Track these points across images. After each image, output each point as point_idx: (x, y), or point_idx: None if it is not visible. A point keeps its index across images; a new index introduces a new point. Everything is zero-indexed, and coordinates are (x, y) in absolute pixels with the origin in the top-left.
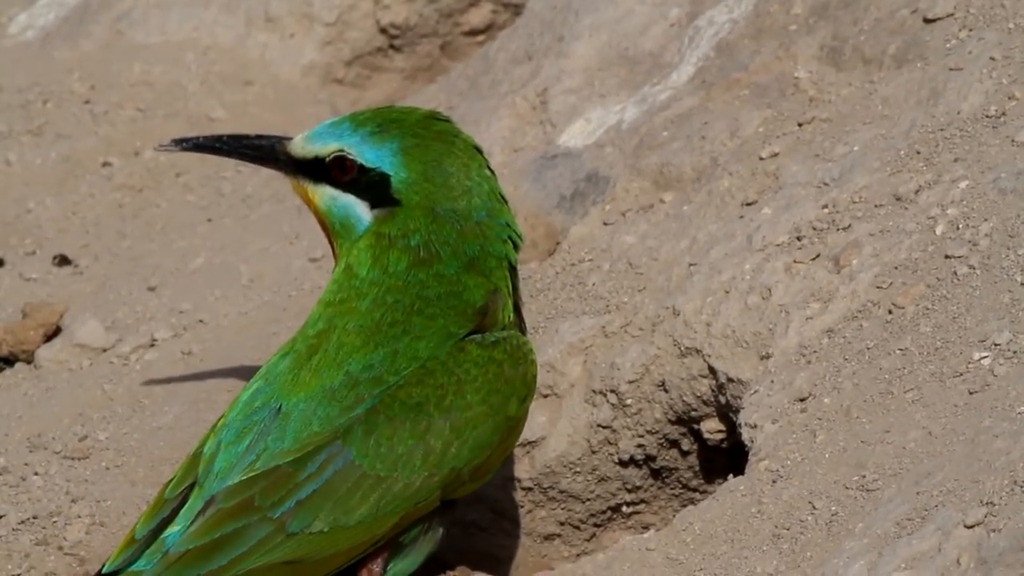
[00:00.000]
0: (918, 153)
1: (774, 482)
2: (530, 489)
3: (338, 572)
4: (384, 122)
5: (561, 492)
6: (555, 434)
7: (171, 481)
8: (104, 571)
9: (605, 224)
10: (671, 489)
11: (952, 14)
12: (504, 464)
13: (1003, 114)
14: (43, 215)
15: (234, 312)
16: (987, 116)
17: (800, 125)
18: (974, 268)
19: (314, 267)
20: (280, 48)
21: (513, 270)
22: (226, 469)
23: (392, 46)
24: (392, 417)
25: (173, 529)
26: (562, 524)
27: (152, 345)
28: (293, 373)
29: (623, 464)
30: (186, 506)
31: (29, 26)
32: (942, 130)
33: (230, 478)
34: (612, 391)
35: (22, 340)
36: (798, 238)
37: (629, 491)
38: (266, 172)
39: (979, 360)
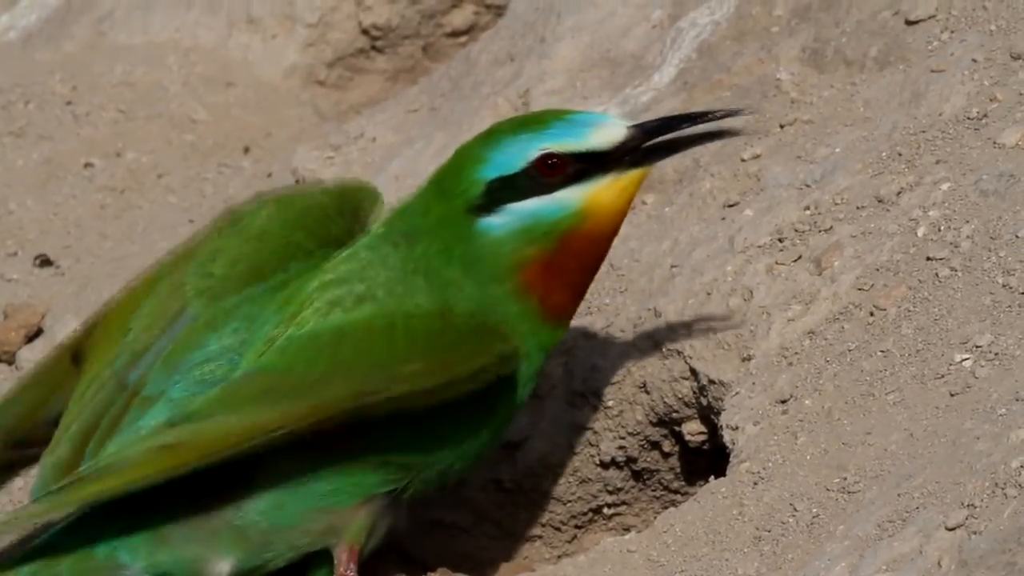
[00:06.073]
0: (900, 155)
1: (755, 484)
2: (511, 491)
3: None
4: None
5: (542, 494)
6: (536, 436)
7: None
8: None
9: None
10: (652, 491)
11: (934, 16)
12: (485, 466)
13: (985, 116)
14: (24, 216)
15: None
16: (969, 118)
17: (782, 127)
18: (956, 270)
19: None
20: (262, 49)
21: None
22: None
23: (374, 47)
24: (308, 337)
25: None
26: (543, 526)
27: None
28: (262, 347)
29: (604, 466)
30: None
31: (11, 27)
32: (924, 132)
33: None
34: (593, 393)
35: (3, 341)
36: (780, 240)
37: (610, 493)
38: (249, 173)
39: (960, 362)
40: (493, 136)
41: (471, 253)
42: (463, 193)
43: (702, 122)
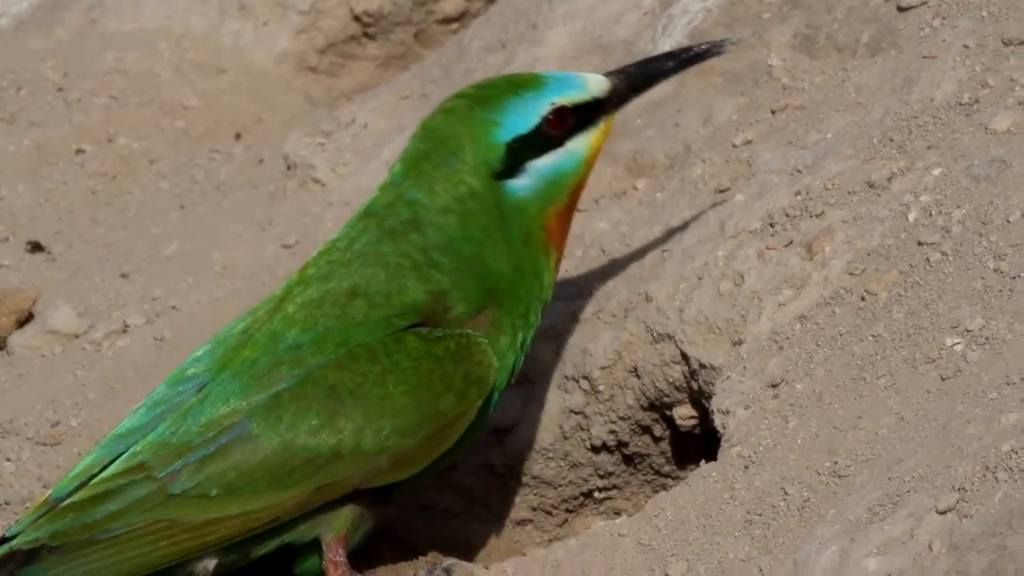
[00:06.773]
0: (891, 140)
1: (746, 468)
2: (502, 475)
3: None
4: None
5: (533, 478)
6: (527, 420)
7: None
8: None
9: (578, 211)
10: (643, 475)
11: (926, 2)
12: (476, 450)
13: (976, 101)
14: (16, 202)
15: (207, 299)
16: (960, 104)
17: (773, 113)
18: (947, 255)
19: (287, 254)
20: (253, 36)
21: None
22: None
23: (366, 34)
24: (301, 395)
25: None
26: (534, 510)
27: (125, 331)
28: (240, 340)
29: (595, 450)
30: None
31: (2, 14)
32: (915, 117)
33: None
34: (584, 377)
35: None
36: (771, 225)
37: (601, 477)
38: (240, 159)
39: (951, 346)
40: (489, 101)
41: (497, 220)
42: (483, 161)
43: (682, 57)
